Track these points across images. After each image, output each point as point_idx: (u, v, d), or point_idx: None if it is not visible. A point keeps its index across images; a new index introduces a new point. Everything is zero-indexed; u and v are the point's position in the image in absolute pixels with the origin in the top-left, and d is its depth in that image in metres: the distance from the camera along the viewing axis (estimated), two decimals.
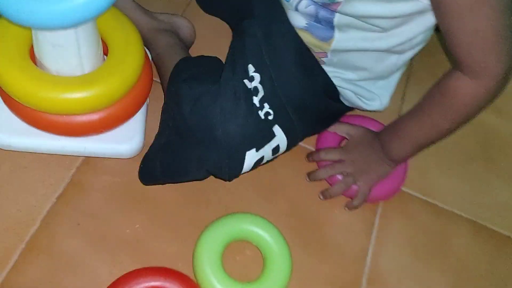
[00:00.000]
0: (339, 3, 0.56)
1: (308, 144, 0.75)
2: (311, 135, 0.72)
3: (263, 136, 0.61)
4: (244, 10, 0.66)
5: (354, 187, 0.69)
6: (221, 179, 0.64)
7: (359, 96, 0.69)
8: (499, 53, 0.53)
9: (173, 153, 0.61)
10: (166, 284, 0.57)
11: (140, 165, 0.64)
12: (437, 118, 0.60)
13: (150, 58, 0.70)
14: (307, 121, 0.65)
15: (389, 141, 0.67)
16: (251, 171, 0.68)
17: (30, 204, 0.63)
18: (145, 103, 0.67)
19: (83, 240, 0.61)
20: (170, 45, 0.71)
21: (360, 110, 0.74)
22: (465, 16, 0.51)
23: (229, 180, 0.64)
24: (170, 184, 0.67)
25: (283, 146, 0.63)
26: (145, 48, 0.69)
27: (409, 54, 0.65)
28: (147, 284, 0.57)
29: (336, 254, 0.68)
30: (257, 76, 0.61)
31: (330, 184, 0.71)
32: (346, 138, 0.73)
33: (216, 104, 0.59)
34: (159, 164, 0.62)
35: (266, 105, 0.61)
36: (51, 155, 0.66)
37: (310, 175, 0.72)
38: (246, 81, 0.61)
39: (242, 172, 0.62)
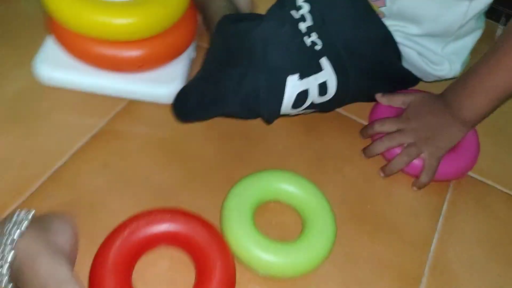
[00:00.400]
0: None
1: (362, 118, 0.67)
2: (365, 92, 0.64)
3: (308, 64, 0.54)
4: None
5: (418, 161, 0.59)
6: (261, 117, 0.57)
7: (424, 58, 0.61)
8: None
9: (211, 79, 0.56)
10: (186, 228, 0.49)
11: (175, 97, 0.59)
12: None
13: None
14: (361, 68, 0.57)
15: (459, 97, 0.58)
16: (298, 140, 0.62)
17: (61, 140, 0.59)
18: (189, 56, 0.65)
19: (108, 180, 0.56)
20: (223, 6, 0.68)
21: (425, 81, 0.66)
22: None
23: (269, 120, 0.56)
24: (208, 137, 0.61)
25: (332, 86, 0.55)
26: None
27: (479, 3, 0.56)
28: (163, 227, 0.49)
29: (394, 238, 0.56)
30: (306, 6, 0.55)
31: (389, 160, 0.61)
32: (403, 109, 0.63)
33: (259, 27, 0.54)
34: (195, 93, 0.56)
35: (313, 34, 0.54)
36: (92, 98, 0.63)
37: (365, 151, 0.63)
38: (293, 12, 0.55)
39: (283, 107, 0.54)
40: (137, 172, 0.58)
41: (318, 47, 0.55)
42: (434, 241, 0.57)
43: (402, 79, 0.65)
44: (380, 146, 0.61)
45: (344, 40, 0.56)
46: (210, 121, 0.62)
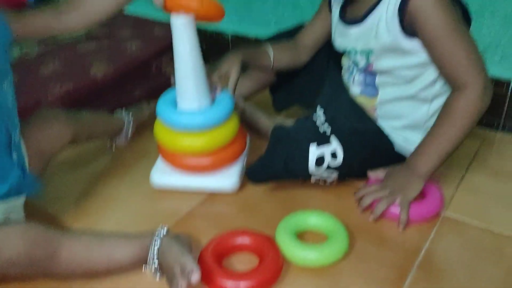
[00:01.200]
0: (371, 64, 0.91)
1: None
2: (367, 165, 0.95)
3: (322, 139, 0.90)
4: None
5: (394, 210, 0.87)
6: (299, 175, 0.92)
7: (407, 142, 0.95)
8: (474, 70, 0.80)
9: (267, 157, 0.93)
10: (256, 239, 0.82)
11: (249, 168, 0.96)
12: (446, 130, 0.84)
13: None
14: (361, 145, 0.92)
15: (414, 160, 0.88)
16: (327, 201, 0.95)
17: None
18: (243, 159, 1.02)
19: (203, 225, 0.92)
20: (268, 123, 1.12)
21: None
22: (444, 43, 0.81)
23: (304, 176, 0.91)
24: (270, 196, 0.97)
25: (340, 155, 0.90)
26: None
27: (436, 105, 0.91)
28: (240, 239, 0.83)
29: (393, 249, 0.84)
30: (321, 111, 0.95)
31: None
32: None
33: (293, 125, 0.95)
34: (259, 165, 0.94)
35: (326, 125, 0.92)
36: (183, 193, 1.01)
37: (359, 204, 0.91)
38: (313, 115, 0.95)
39: (310, 166, 0.89)
40: (228, 220, 0.93)
41: (328, 131, 0.91)
42: (423, 250, 0.83)
43: (396, 159, 0.97)
44: (366, 200, 0.90)
45: (347, 128, 0.92)
46: (270, 188, 0.98)
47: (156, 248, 0.77)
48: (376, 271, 0.79)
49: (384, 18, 0.86)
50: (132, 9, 1.70)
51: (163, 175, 1.01)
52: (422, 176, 0.88)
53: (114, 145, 1.16)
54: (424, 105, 0.92)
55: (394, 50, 0.88)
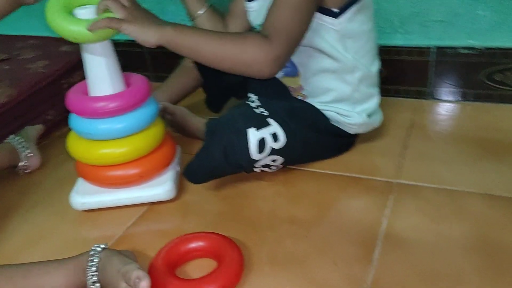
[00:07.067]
0: None
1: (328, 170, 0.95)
2: (314, 144, 0.92)
3: (260, 121, 0.83)
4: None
5: None
6: (242, 165, 0.84)
7: (340, 115, 0.93)
8: (282, 35, 0.77)
9: (204, 150, 0.85)
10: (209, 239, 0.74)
11: (184, 168, 0.87)
12: (222, 40, 0.78)
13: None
14: (302, 124, 0.87)
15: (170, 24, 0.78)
16: (278, 190, 0.88)
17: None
18: (176, 163, 0.93)
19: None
20: (200, 123, 1.07)
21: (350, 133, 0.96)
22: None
23: (247, 169, 0.85)
24: (211, 194, 0.89)
25: (281, 135, 0.84)
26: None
27: (358, 74, 0.90)
28: (194, 245, 0.74)
29: (352, 227, 0.79)
30: (254, 96, 0.90)
31: None
32: None
33: (226, 112, 0.88)
34: (196, 161, 0.85)
35: (261, 108, 0.86)
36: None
37: None
38: (247, 101, 0.89)
39: (252, 152, 0.82)
40: (174, 228, 0.83)
41: (265, 113, 0.85)
42: (384, 222, 0.79)
43: (335, 132, 0.95)
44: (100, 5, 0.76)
45: (283, 109, 0.87)
46: (213, 187, 0.91)
47: (94, 266, 0.66)
48: (342, 251, 0.74)
49: None
50: (32, 31, 1.57)
51: (85, 194, 0.89)
52: (162, 31, 0.77)
53: (21, 171, 1.06)
54: (347, 75, 0.90)
55: None
